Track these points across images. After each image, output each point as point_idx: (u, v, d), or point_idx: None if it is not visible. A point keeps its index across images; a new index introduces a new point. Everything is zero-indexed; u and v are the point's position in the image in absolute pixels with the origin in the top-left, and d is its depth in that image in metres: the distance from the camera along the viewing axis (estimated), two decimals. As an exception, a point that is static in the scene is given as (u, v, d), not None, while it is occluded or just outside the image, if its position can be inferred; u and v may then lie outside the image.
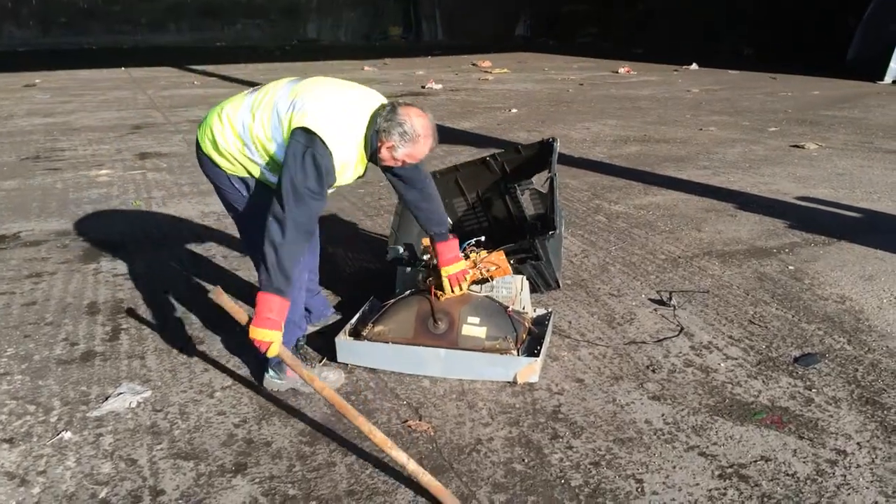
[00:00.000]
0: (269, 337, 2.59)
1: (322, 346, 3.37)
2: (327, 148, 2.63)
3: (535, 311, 3.56)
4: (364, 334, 3.24)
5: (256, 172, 2.88)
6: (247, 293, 4.04)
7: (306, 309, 3.46)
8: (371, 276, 4.24)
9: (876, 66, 14.15)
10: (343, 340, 3.24)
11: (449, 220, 3.27)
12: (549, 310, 3.61)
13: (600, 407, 2.93)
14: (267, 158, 2.81)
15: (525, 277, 3.52)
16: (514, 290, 3.46)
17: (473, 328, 3.17)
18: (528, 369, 3.08)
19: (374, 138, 2.75)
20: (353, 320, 3.39)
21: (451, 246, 3.22)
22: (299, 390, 3.03)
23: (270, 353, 2.63)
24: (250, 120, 2.78)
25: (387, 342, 3.20)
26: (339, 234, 5.05)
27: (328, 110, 2.69)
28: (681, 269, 4.41)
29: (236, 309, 2.62)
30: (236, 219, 3.09)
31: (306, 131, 2.63)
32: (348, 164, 2.76)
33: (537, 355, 3.12)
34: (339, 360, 3.24)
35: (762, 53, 19.02)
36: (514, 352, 3.14)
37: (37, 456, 2.62)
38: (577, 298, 3.99)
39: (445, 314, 3.19)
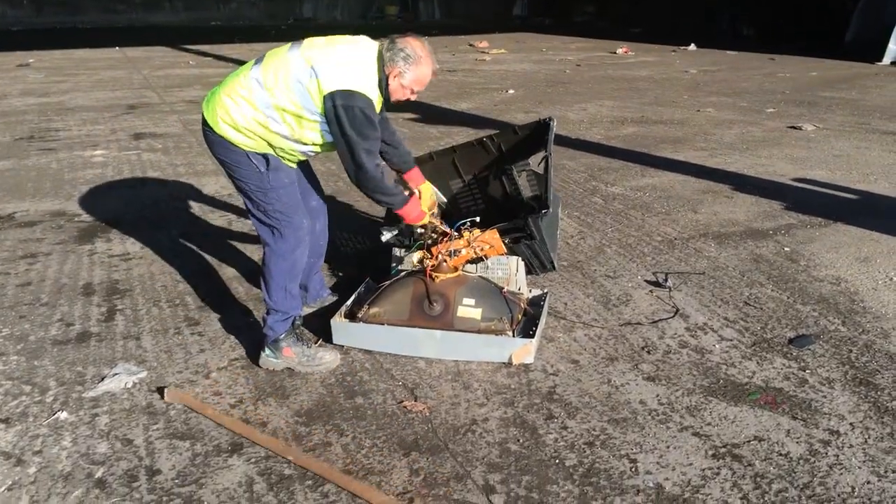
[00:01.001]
0: (423, 221, 3.28)
1: (319, 327, 3.37)
2: (367, 97, 2.81)
3: (530, 291, 3.57)
4: (360, 316, 3.24)
5: (278, 142, 2.94)
6: (245, 271, 4.05)
7: (304, 287, 3.47)
8: (367, 258, 4.23)
9: (874, 48, 14.07)
10: (338, 322, 3.24)
11: (413, 158, 3.49)
12: (545, 291, 3.61)
13: (595, 388, 2.94)
14: (295, 128, 2.90)
15: (521, 259, 3.52)
16: (509, 270, 3.45)
17: (469, 309, 3.17)
18: (522, 350, 3.09)
19: (382, 72, 2.91)
20: (349, 302, 3.39)
21: (417, 173, 3.45)
22: (295, 370, 3.04)
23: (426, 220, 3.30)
24: (271, 98, 2.84)
25: (382, 324, 3.20)
26: (335, 214, 5.04)
27: (350, 66, 2.84)
28: (677, 251, 4.41)
29: (196, 403, 2.80)
30: (249, 199, 3.08)
31: (343, 93, 2.77)
32: (376, 107, 2.94)
33: (532, 336, 3.12)
34: (334, 341, 3.24)
35: (762, 34, 18.92)
36: (510, 333, 3.14)
37: (33, 436, 2.62)
38: (573, 280, 4.00)
39: (441, 295, 3.19)
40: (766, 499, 2.30)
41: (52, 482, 2.39)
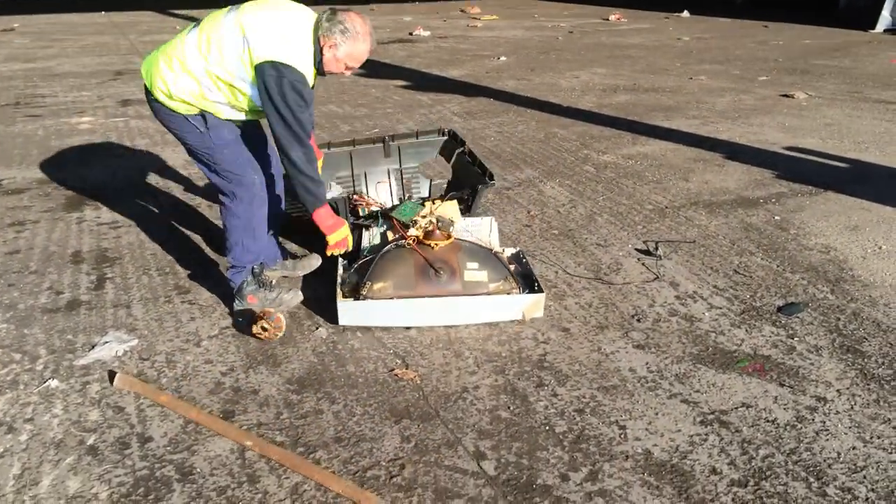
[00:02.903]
0: (342, 234, 3.11)
1: (312, 305, 3.36)
2: (299, 72, 2.73)
3: (503, 250, 3.57)
4: (364, 293, 3.13)
5: (213, 109, 2.91)
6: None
7: None
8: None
9: (868, 15, 14.02)
10: (345, 303, 3.10)
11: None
12: (518, 249, 3.62)
13: (585, 355, 2.96)
14: (230, 96, 2.86)
15: (494, 218, 3.58)
16: (483, 231, 3.48)
17: (475, 273, 3.19)
18: (534, 305, 3.15)
19: (317, 44, 2.84)
20: (339, 282, 3.27)
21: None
22: (255, 311, 3.12)
23: (350, 245, 3.19)
24: (205, 63, 2.79)
25: (391, 298, 3.12)
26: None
27: (283, 36, 2.75)
28: (668, 220, 4.42)
29: (148, 388, 2.71)
30: (200, 162, 3.10)
31: (274, 64, 2.69)
32: (310, 81, 2.84)
33: (540, 290, 3.18)
34: (340, 322, 3.13)
35: (755, 0, 18.77)
36: (517, 290, 3.18)
37: (24, 403, 2.62)
38: (564, 248, 4.00)
39: (445, 263, 3.18)
40: (752, 464, 2.34)
41: (43, 449, 2.39)
